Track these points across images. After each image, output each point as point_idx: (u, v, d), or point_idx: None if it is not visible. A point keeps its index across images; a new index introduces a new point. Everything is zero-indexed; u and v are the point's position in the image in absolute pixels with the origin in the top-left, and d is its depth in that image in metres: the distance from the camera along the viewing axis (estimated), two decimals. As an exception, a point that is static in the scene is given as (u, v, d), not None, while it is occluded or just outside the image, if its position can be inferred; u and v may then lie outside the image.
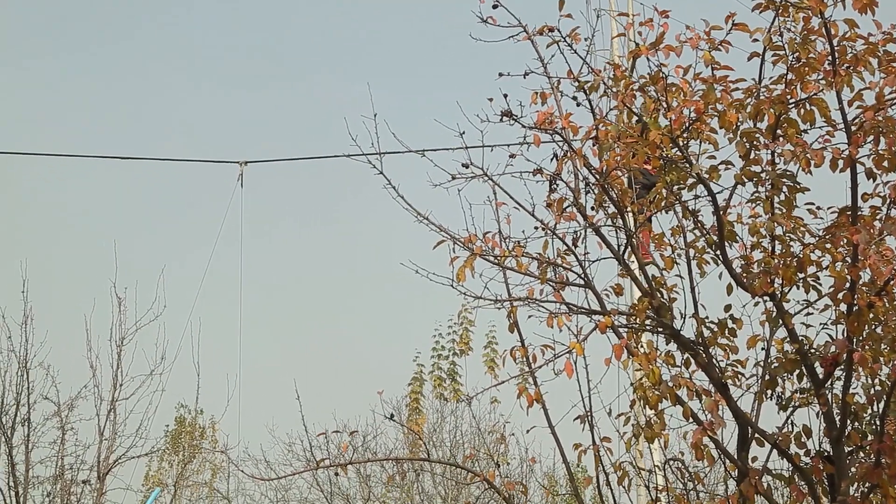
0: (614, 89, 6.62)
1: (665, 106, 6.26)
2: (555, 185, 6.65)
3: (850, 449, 6.26)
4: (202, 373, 14.89)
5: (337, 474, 14.97)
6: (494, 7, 6.43)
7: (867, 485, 6.06)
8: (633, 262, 6.72)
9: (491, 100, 6.48)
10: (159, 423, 18.07)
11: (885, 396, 6.03)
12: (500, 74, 6.51)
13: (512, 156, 6.61)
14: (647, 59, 6.36)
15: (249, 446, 20.09)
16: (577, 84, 6.62)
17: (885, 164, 6.05)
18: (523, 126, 6.53)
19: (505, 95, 6.47)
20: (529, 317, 6.48)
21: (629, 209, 6.86)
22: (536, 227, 6.60)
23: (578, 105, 6.65)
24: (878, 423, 6.06)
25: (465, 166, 6.64)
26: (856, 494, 6.09)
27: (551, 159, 6.60)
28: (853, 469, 6.18)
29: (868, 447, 6.15)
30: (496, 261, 6.55)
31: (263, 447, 20.83)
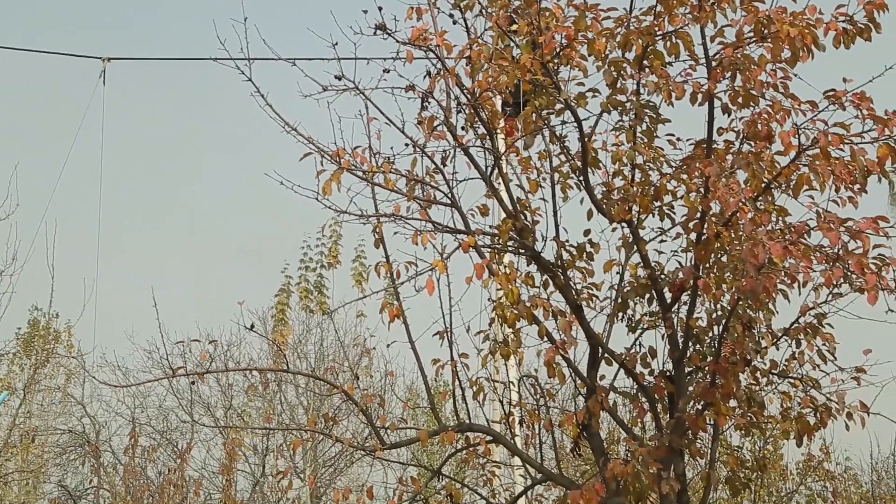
0: (490, 10, 6.63)
1: (537, 30, 6.33)
2: (426, 103, 6.71)
3: (689, 370, 6.60)
4: (57, 275, 14.57)
5: (193, 383, 15.06)
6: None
7: (702, 403, 6.39)
8: (499, 183, 6.86)
9: (366, 12, 6.44)
10: (9, 325, 17.63)
11: (724, 321, 6.34)
12: (376, -15, 6.46)
13: (385, 70, 6.60)
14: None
15: (107, 352, 19.85)
16: (453, 2, 6.64)
17: (740, 100, 6.26)
18: (397, 41, 6.52)
19: (380, 8, 6.44)
20: (395, 233, 6.60)
21: (498, 131, 7.03)
22: (406, 145, 6.67)
23: (454, 23, 6.68)
24: (716, 345, 6.38)
25: (338, 78, 6.60)
26: (692, 412, 6.39)
27: (424, 76, 6.66)
28: (691, 388, 6.53)
29: (706, 368, 6.46)
30: (364, 176, 6.59)
31: (122, 354, 20.64)
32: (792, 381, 6.75)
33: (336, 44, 6.52)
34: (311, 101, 6.57)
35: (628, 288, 6.87)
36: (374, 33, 6.51)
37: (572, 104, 6.49)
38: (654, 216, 6.74)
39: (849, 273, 5.71)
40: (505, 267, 6.64)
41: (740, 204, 5.82)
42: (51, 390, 16.54)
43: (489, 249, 6.67)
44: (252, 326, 9.31)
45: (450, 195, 6.73)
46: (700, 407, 6.43)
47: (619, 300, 6.86)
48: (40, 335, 17.00)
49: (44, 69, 37.02)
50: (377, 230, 6.70)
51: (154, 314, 7.93)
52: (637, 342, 6.88)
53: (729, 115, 6.39)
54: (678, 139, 6.75)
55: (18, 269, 13.69)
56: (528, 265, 6.87)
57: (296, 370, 14.46)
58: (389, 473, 15.82)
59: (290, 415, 16.82)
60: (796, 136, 5.93)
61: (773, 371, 6.75)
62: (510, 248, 6.86)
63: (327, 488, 16.71)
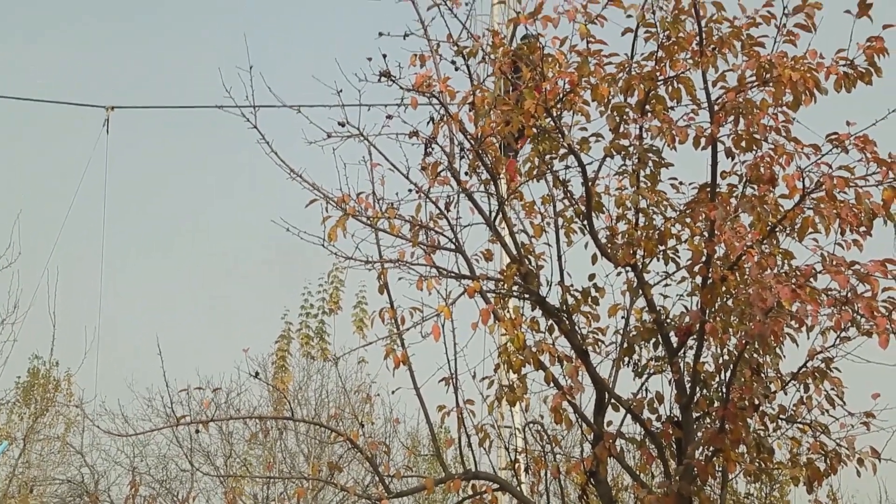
0: (492, 56, 6.68)
1: (541, 76, 6.36)
2: (430, 149, 6.72)
3: (697, 415, 6.55)
4: (59, 323, 14.53)
5: (198, 431, 14.94)
6: (376, -36, 6.46)
7: (711, 449, 6.32)
8: (503, 228, 6.85)
9: (370, 59, 6.48)
10: (10, 374, 17.54)
11: (731, 366, 6.29)
12: (381, 34, 6.50)
13: (389, 117, 6.64)
14: (526, 27, 6.47)
15: (107, 400, 19.71)
16: (456, 48, 6.68)
17: (743, 143, 6.27)
18: (401, 87, 6.55)
19: (384, 56, 6.48)
20: (400, 279, 6.58)
21: (502, 176, 7.03)
22: (410, 190, 6.68)
23: (457, 69, 6.73)
24: (724, 390, 6.32)
25: (342, 125, 6.64)
26: (701, 458, 6.33)
27: (427, 122, 6.68)
28: (699, 434, 6.46)
29: (714, 413, 6.39)
30: (369, 222, 6.61)
31: (122, 402, 20.49)
32: (801, 426, 6.69)
33: (340, 91, 6.59)
34: (316, 148, 6.62)
35: (634, 332, 6.86)
36: (379, 80, 6.54)
37: (576, 149, 6.51)
38: (658, 260, 6.75)
39: (857, 316, 5.68)
40: (510, 312, 6.64)
41: (746, 247, 5.82)
42: (50, 440, 16.43)
43: (494, 295, 6.66)
44: (257, 374, 9.28)
45: (454, 240, 6.73)
46: (709, 453, 6.37)
47: (625, 345, 6.84)
48: (40, 384, 16.93)
49: (46, 117, 37.14)
50: (381, 276, 6.69)
51: (157, 362, 7.90)
52: (644, 387, 6.84)
53: (732, 159, 6.40)
54: (681, 183, 6.77)
55: (20, 317, 13.68)
56: (533, 310, 6.86)
57: (300, 418, 14.35)
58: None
59: (290, 463, 16.67)
60: (800, 179, 5.92)
61: (781, 416, 6.69)
62: (515, 294, 6.84)
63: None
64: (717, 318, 6.27)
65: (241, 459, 16.87)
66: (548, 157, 6.78)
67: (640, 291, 6.64)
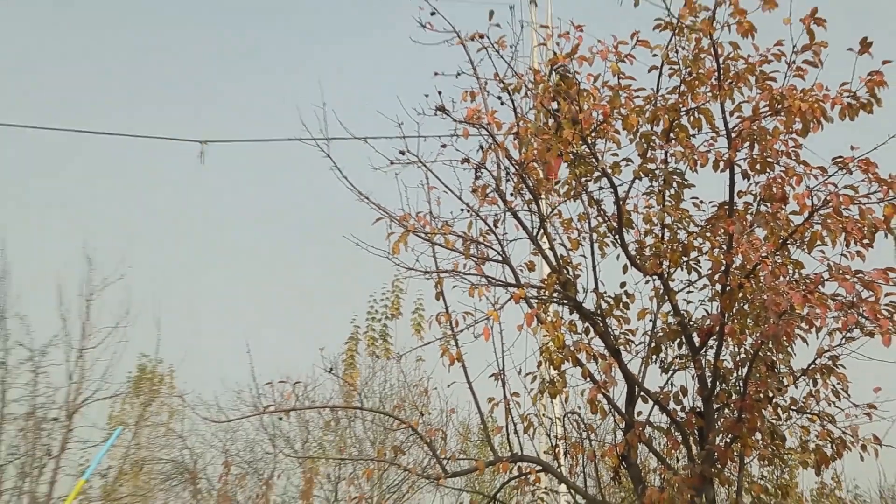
0: (534, 91, 6.65)
1: (577, 108, 6.33)
2: (479, 173, 6.68)
3: (717, 406, 6.44)
4: (162, 327, 14.76)
5: (280, 419, 15.00)
6: (432, 14, 6.40)
7: (730, 436, 6.23)
8: (544, 242, 6.79)
9: (427, 96, 6.48)
10: (122, 370, 17.75)
11: (748, 362, 6.19)
12: (436, 74, 6.51)
13: (443, 146, 6.61)
14: (563, 66, 6.42)
15: (203, 393, 19.98)
16: (502, 85, 6.64)
17: (758, 166, 6.19)
18: (454, 120, 6.54)
19: (439, 92, 6.48)
20: (454, 287, 6.52)
21: (543, 197, 6.96)
22: (462, 209, 6.64)
23: (502, 104, 6.67)
24: (742, 384, 6.23)
25: (402, 153, 6.62)
26: (720, 444, 6.24)
27: (477, 150, 6.65)
28: (719, 423, 6.36)
29: (732, 405, 6.30)
30: (426, 237, 6.56)
31: (216, 393, 20.68)
32: (810, 416, 6.56)
33: (402, 123, 6.56)
34: (381, 174, 6.60)
35: (661, 334, 6.76)
36: (435, 114, 6.53)
37: (608, 172, 6.46)
38: (682, 270, 6.66)
39: (861, 319, 5.51)
40: (551, 316, 6.56)
41: (761, 258, 5.71)
42: (156, 426, 16.55)
43: (537, 300, 6.58)
44: (330, 370, 9.28)
45: (501, 253, 6.66)
46: (728, 440, 6.28)
47: (653, 344, 6.74)
48: (147, 378, 17.11)
49: (148, 149, 37.55)
50: (438, 284, 6.65)
51: (246, 359, 7.90)
52: (669, 382, 6.74)
53: (748, 180, 6.32)
54: (702, 202, 6.69)
55: (131, 322, 13.93)
56: (571, 314, 6.77)
57: (368, 408, 14.35)
58: (447, 499, 15.51)
59: (358, 447, 16.63)
60: (809, 197, 5.80)
61: (792, 407, 6.56)
62: (555, 300, 6.75)
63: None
64: (735, 321, 6.20)
65: (316, 444, 16.84)
66: (583, 179, 6.73)
67: (666, 297, 6.56)
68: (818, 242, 5.85)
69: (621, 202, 6.43)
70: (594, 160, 6.45)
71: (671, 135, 6.33)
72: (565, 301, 6.61)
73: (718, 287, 6.25)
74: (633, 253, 6.61)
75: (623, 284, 6.80)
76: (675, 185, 6.57)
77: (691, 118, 6.34)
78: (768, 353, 6.24)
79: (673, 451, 6.79)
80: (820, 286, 5.64)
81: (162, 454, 16.47)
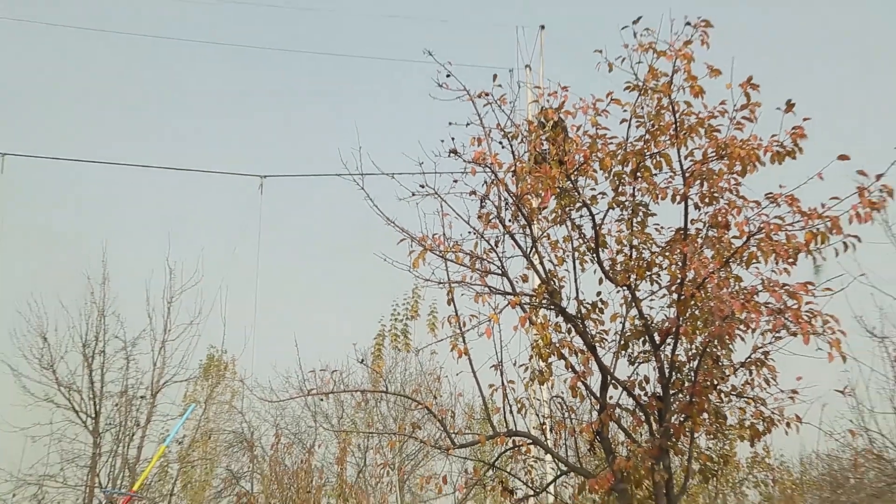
0: (528, 138, 6.73)
1: (563, 152, 6.44)
2: (484, 203, 6.74)
3: (673, 392, 6.45)
4: (228, 324, 14.91)
5: (321, 400, 15.09)
6: (448, 76, 6.51)
7: (683, 415, 6.26)
8: (536, 259, 6.80)
9: (442, 141, 6.57)
10: (195, 358, 17.91)
11: (698, 357, 6.25)
12: (450, 123, 6.56)
13: (455, 181, 6.67)
14: (561, 118, 6.52)
15: (259, 377, 20.16)
16: (502, 133, 6.72)
17: (707, 200, 6.26)
18: (464, 160, 6.60)
19: (452, 138, 6.55)
20: (462, 294, 6.54)
21: (535, 222, 7.03)
22: (470, 232, 6.69)
23: (503, 147, 6.75)
24: (693, 374, 6.26)
25: (422, 186, 6.63)
26: (675, 422, 6.27)
27: (482, 185, 6.71)
28: (675, 405, 6.39)
29: (685, 391, 6.32)
30: (440, 254, 6.60)
31: (270, 378, 20.81)
32: (746, 399, 6.57)
33: (422, 163, 6.58)
34: (404, 203, 6.66)
35: (629, 333, 6.76)
36: (448, 155, 6.58)
37: (587, 203, 6.50)
38: (646, 282, 6.66)
39: (787, 322, 5.58)
40: (540, 318, 6.59)
41: (709, 273, 5.76)
42: (221, 403, 16.67)
43: (529, 306, 6.61)
44: (362, 360, 9.35)
45: (501, 268, 6.69)
46: (681, 419, 6.30)
47: (622, 342, 6.75)
48: (215, 365, 17.25)
49: (212, 183, 37.62)
50: (450, 292, 6.67)
51: (294, 352, 7.98)
52: (635, 372, 6.75)
53: (699, 211, 6.38)
54: (662, 228, 6.71)
55: (203, 320, 14.11)
56: (556, 317, 6.76)
57: (391, 392, 14.43)
58: (454, 465, 15.54)
59: (383, 423, 16.67)
60: (747, 225, 5.89)
61: (732, 392, 6.57)
62: (544, 305, 6.77)
63: (409, 475, 16.45)
64: (688, 323, 6.22)
65: (349, 420, 16.90)
66: (567, 208, 6.76)
67: (633, 304, 6.57)
68: (754, 261, 5.88)
69: (598, 227, 6.48)
70: (576, 193, 6.51)
71: (638, 174, 6.39)
72: (552, 306, 6.64)
73: (675, 296, 6.29)
74: (607, 268, 6.64)
75: (599, 293, 6.83)
76: (640, 214, 6.61)
77: (654, 161, 6.40)
78: (714, 350, 6.27)
79: (637, 428, 6.78)
80: (755, 296, 5.71)
81: (226, 426, 16.59)
